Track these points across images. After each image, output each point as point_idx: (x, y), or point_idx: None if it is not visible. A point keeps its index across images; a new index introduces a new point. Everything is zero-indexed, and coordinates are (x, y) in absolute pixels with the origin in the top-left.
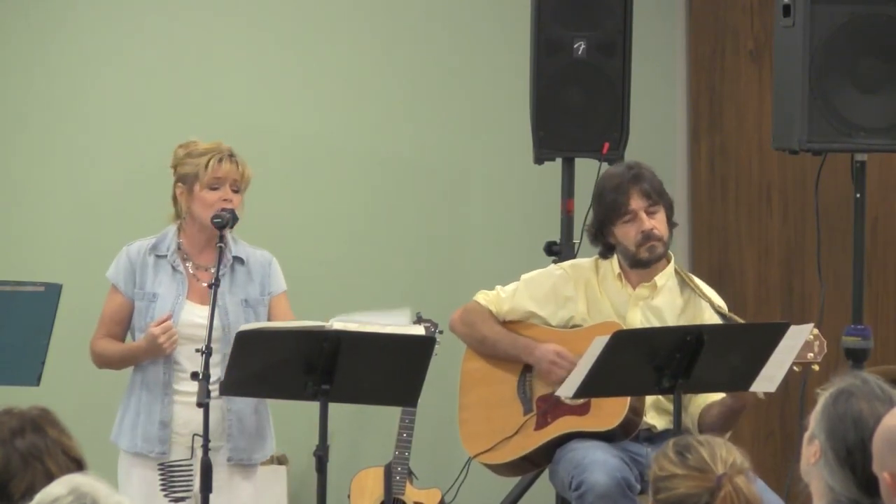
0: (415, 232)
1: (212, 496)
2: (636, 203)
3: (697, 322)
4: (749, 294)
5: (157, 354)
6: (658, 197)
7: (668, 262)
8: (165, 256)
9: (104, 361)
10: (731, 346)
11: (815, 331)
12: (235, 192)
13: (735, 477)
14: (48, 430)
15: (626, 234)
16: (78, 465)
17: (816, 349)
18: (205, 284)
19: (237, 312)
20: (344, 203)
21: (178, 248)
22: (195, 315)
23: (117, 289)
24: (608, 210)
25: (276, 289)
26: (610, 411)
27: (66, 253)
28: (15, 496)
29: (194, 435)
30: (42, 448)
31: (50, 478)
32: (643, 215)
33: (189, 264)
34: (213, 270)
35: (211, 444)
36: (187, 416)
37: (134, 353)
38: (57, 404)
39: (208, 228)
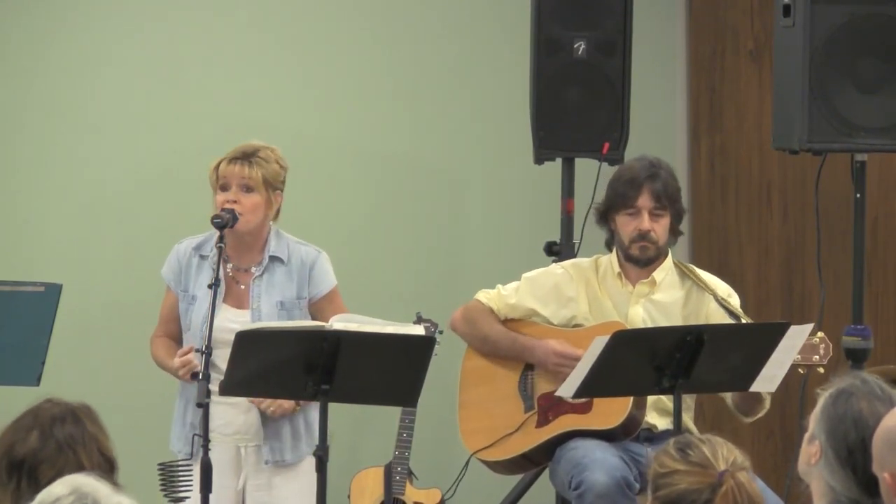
0: (415, 231)
1: (254, 494)
2: (644, 201)
3: (701, 313)
4: (749, 294)
5: (180, 378)
6: (668, 203)
7: (666, 256)
8: (207, 257)
9: (155, 364)
10: (732, 346)
11: (821, 334)
12: (250, 191)
13: (737, 473)
14: (87, 424)
15: (624, 225)
16: (110, 464)
17: (822, 352)
18: (242, 287)
19: (272, 315)
20: (344, 203)
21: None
22: (228, 320)
23: (170, 287)
24: (616, 198)
25: (318, 291)
26: (612, 410)
27: (66, 253)
28: (42, 481)
29: (194, 435)
30: (78, 439)
31: (80, 470)
32: (646, 215)
33: (229, 266)
34: (253, 269)
35: (250, 444)
36: (229, 417)
37: (169, 369)
38: None
39: (239, 230)
